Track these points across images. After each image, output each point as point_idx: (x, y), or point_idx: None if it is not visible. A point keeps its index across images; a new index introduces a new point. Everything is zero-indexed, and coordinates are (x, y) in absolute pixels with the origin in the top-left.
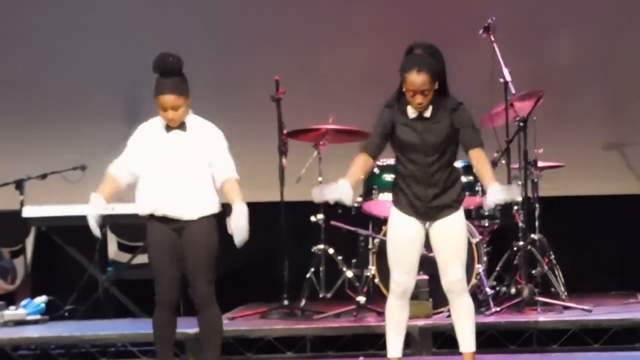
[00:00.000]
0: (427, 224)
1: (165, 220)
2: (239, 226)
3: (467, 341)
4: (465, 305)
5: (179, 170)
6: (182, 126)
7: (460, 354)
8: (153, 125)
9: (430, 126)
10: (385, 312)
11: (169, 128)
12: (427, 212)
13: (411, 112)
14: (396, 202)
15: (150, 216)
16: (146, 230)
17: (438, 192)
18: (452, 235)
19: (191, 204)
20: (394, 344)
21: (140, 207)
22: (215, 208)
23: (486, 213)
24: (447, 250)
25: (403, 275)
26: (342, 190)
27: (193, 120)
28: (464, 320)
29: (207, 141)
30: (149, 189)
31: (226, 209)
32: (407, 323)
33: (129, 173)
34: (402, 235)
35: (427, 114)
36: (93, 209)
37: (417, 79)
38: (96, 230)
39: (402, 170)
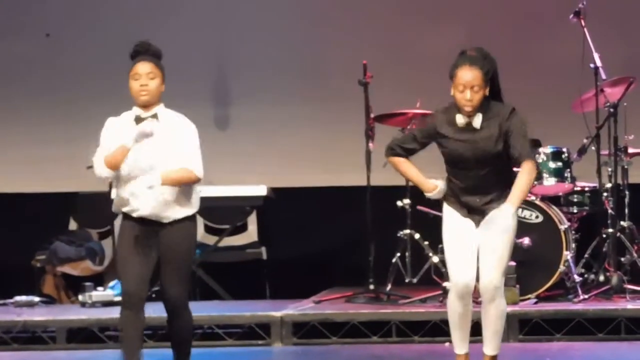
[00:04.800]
0: (478, 220)
1: (139, 219)
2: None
3: (488, 344)
4: (493, 312)
5: (152, 166)
6: (154, 117)
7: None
8: (123, 119)
9: (480, 138)
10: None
11: (139, 120)
12: (478, 212)
13: (460, 119)
14: (447, 201)
15: (123, 214)
16: (121, 227)
17: (491, 199)
18: (497, 238)
19: (167, 205)
20: (457, 341)
21: (115, 206)
22: (193, 208)
23: (575, 199)
24: (489, 253)
25: (459, 276)
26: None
27: (165, 113)
28: (489, 324)
29: (179, 137)
30: (123, 188)
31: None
32: (471, 317)
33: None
34: (455, 235)
35: (477, 124)
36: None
37: (468, 72)
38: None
39: (452, 181)
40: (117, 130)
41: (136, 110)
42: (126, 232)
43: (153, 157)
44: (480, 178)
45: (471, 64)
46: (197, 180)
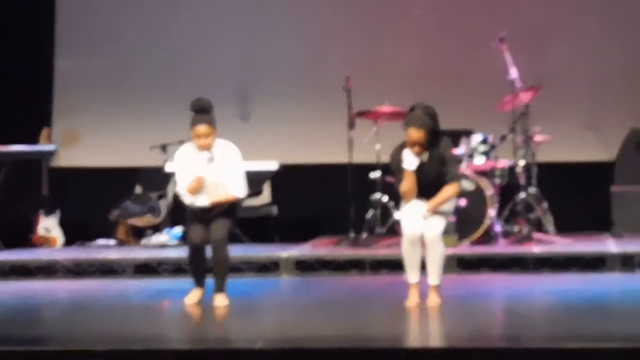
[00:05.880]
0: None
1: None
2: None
3: (431, 276)
4: (433, 253)
5: (210, 184)
6: (211, 159)
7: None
8: (189, 153)
9: (427, 167)
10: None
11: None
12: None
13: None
14: None
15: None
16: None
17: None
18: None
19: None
20: (409, 273)
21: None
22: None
23: (497, 173)
24: (433, 216)
25: (409, 228)
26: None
27: (218, 146)
28: (431, 262)
29: (227, 165)
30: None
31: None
32: (420, 258)
33: None
34: (408, 206)
35: (425, 159)
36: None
37: (416, 134)
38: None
39: None
40: (187, 162)
41: (197, 150)
42: (192, 213)
43: (211, 180)
44: (431, 189)
45: (418, 127)
46: (238, 200)
